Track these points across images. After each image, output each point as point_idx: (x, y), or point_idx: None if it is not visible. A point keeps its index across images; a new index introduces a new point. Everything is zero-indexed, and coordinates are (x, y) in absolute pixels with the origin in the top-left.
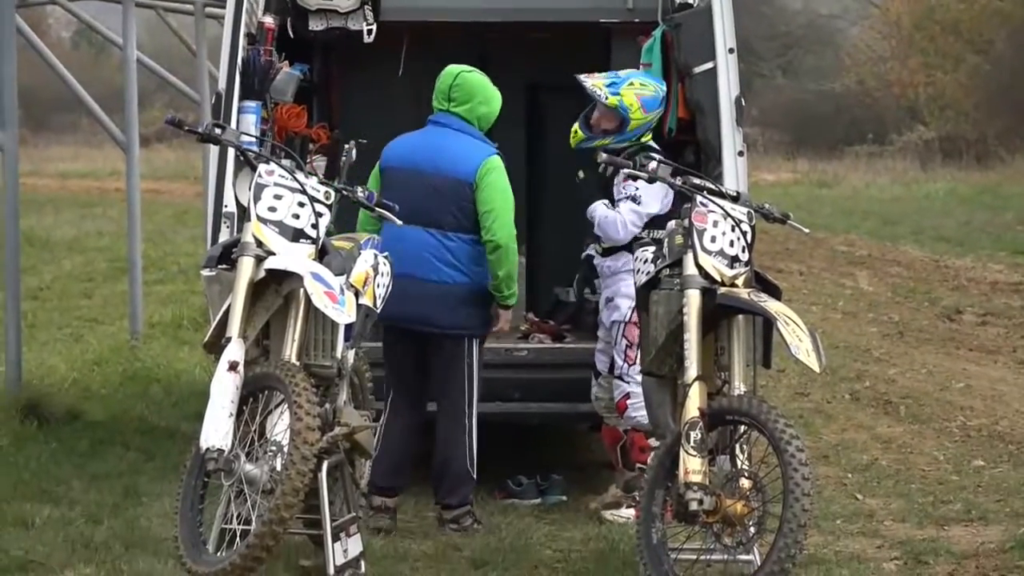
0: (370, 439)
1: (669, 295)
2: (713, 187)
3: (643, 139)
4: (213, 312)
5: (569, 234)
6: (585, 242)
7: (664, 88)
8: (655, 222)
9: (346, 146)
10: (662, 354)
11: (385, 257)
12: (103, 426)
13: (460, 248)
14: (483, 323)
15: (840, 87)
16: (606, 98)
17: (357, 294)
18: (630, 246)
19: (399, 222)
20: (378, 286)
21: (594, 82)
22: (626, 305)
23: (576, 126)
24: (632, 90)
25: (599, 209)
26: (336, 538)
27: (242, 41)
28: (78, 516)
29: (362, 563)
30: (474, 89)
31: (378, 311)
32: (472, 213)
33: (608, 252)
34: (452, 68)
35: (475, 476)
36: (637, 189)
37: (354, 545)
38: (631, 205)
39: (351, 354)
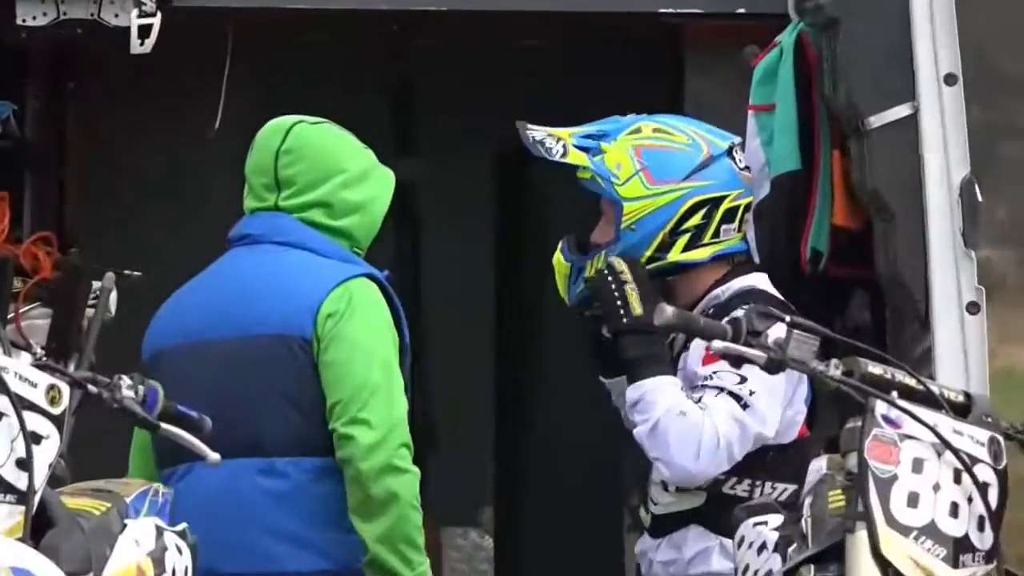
0: None
1: None
2: (912, 383)
3: (672, 256)
4: None
5: (579, 483)
6: (630, 500)
7: (731, 144)
8: (768, 459)
9: (96, 284)
10: None
11: (182, 532)
12: None
13: (302, 491)
14: None
15: None
16: (563, 153)
17: None
18: (714, 519)
19: (213, 456)
20: None
21: (557, 131)
22: None
23: (558, 253)
24: (632, 140)
25: (665, 390)
26: None
27: None
28: None
29: None
30: (326, 155)
31: None
32: (319, 406)
33: (661, 526)
34: (281, 121)
35: None
36: (744, 382)
37: None
38: (733, 407)
39: None
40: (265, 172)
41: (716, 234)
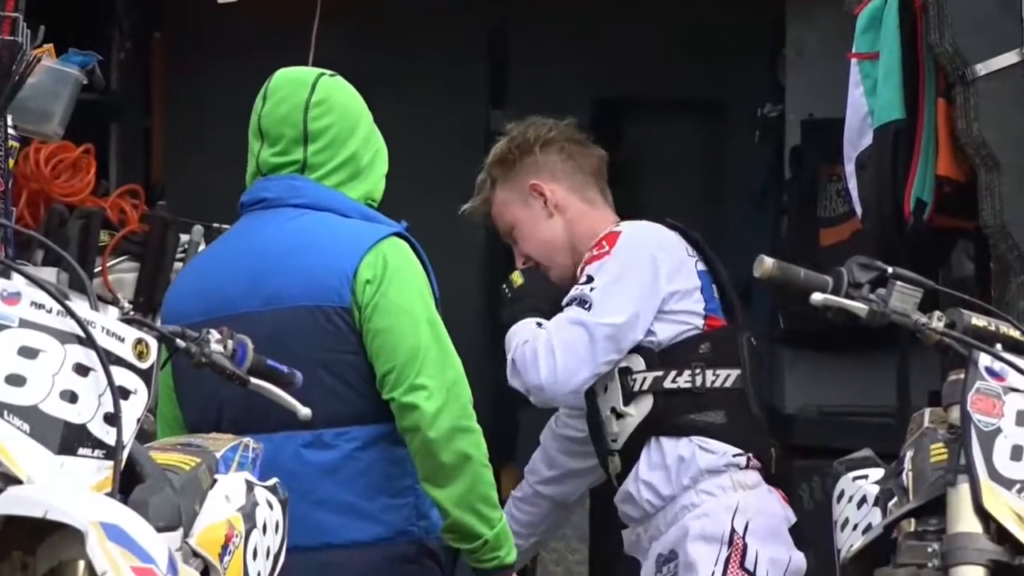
0: None
1: None
2: (1017, 335)
3: None
4: None
5: None
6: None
7: None
8: (701, 350)
9: (184, 237)
10: None
11: (272, 487)
12: None
13: (350, 461)
14: None
15: None
16: None
17: (208, 572)
18: (671, 422)
19: (304, 410)
20: (254, 553)
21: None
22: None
23: None
24: None
25: (520, 329)
26: None
27: None
28: None
29: None
30: (350, 110)
31: None
32: (363, 374)
33: (628, 460)
34: (300, 72)
35: None
36: (590, 282)
37: None
38: (573, 313)
39: None
40: (293, 125)
41: None
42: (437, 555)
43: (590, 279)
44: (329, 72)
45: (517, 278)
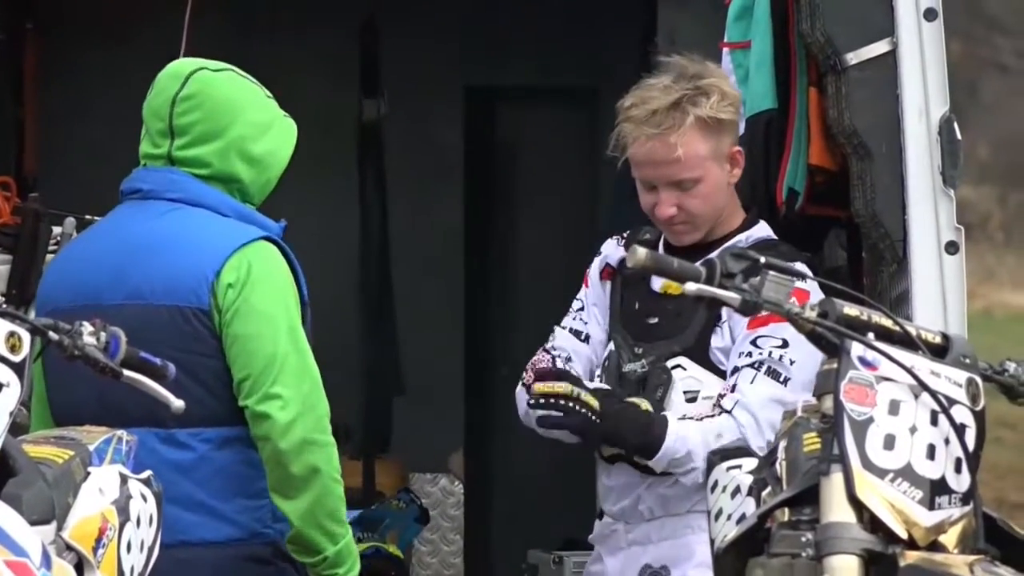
0: None
1: (789, 569)
2: (889, 324)
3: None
4: None
5: None
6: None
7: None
8: None
9: (57, 229)
10: None
11: (147, 480)
12: None
13: (205, 461)
14: None
15: None
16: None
17: (81, 566)
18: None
19: (177, 402)
20: (127, 546)
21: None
22: None
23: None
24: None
25: (686, 435)
26: None
27: None
28: None
29: None
30: (225, 105)
31: None
32: (220, 377)
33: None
34: (181, 65)
35: None
36: (785, 347)
37: None
38: (771, 389)
39: None
40: (160, 118)
41: None
42: (292, 557)
43: (785, 344)
44: (215, 66)
45: (592, 401)
